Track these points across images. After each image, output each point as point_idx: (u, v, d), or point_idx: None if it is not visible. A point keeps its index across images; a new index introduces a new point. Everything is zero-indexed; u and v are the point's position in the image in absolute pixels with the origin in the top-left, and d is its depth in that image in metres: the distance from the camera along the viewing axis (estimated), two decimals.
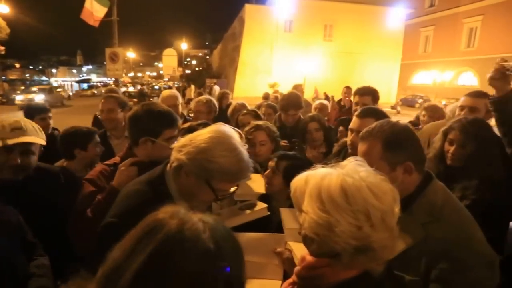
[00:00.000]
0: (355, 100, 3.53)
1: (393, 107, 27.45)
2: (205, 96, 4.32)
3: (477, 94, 2.93)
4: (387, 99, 32.07)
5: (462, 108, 2.97)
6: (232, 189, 1.50)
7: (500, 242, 2.18)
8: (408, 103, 31.67)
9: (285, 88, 16.73)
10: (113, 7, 12.10)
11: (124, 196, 1.50)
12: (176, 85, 33.62)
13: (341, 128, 3.53)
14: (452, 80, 34.97)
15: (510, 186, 2.13)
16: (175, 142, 1.50)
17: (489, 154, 2.19)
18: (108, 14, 11.96)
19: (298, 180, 1.08)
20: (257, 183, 2.30)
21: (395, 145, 1.45)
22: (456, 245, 1.31)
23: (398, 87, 35.81)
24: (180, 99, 3.89)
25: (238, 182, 1.50)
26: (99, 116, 3.82)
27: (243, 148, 1.43)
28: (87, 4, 10.71)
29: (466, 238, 1.35)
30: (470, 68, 32.95)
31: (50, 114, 3.75)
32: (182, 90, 26.57)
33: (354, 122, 2.42)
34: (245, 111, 3.72)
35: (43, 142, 2.07)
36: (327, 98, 14.43)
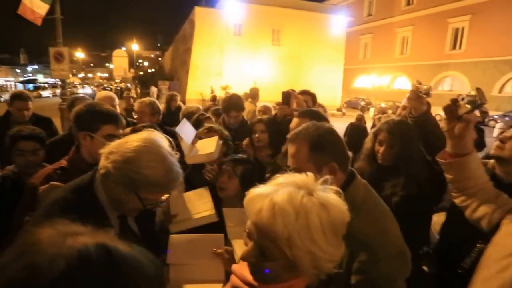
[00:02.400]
0: None
1: (338, 109, 28.82)
2: (149, 98, 4.22)
3: None
4: (333, 102, 33.28)
5: (404, 108, 3.16)
6: (164, 197, 1.43)
7: (425, 234, 2.36)
8: (352, 105, 33.31)
9: (236, 91, 17.19)
10: (55, 4, 11.36)
11: (48, 204, 1.39)
12: (129, 86, 33.30)
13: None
14: (389, 84, 37.43)
15: (433, 184, 2.25)
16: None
17: (413, 153, 2.28)
18: (52, 12, 11.24)
19: (261, 203, 0.95)
20: (209, 143, 2.36)
21: (320, 147, 1.49)
22: (373, 238, 1.38)
23: (343, 91, 37.34)
24: (117, 100, 3.81)
25: (167, 192, 1.43)
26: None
27: (173, 158, 1.37)
28: (25, 0, 9.97)
29: (381, 231, 1.42)
30: (404, 74, 35.55)
31: None
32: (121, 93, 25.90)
33: (294, 121, 2.50)
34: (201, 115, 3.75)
35: None
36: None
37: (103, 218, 1.39)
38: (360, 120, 8.55)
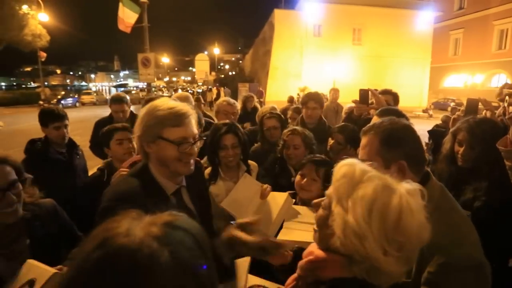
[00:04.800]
0: None
1: (424, 111, 27.29)
2: (227, 98, 4.43)
3: None
4: (419, 103, 31.83)
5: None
6: (185, 134, 1.54)
7: None
8: (440, 106, 30.98)
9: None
10: (143, 13, 12.38)
11: (113, 185, 1.59)
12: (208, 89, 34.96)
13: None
14: (484, 82, 34.30)
15: None
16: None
17: (499, 155, 2.00)
18: (140, 21, 12.33)
19: (350, 169, 1.00)
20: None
21: (391, 142, 1.45)
22: (445, 247, 1.28)
23: (429, 91, 35.20)
24: (192, 100, 4.06)
25: (183, 124, 1.54)
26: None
27: (179, 103, 1.59)
28: (119, 13, 11.18)
29: (456, 240, 1.32)
30: (503, 70, 32.27)
31: (66, 122, 3.29)
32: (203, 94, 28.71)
33: (374, 120, 2.36)
34: (268, 114, 3.65)
35: None
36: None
37: (162, 195, 1.57)
38: (446, 122, 8.05)
